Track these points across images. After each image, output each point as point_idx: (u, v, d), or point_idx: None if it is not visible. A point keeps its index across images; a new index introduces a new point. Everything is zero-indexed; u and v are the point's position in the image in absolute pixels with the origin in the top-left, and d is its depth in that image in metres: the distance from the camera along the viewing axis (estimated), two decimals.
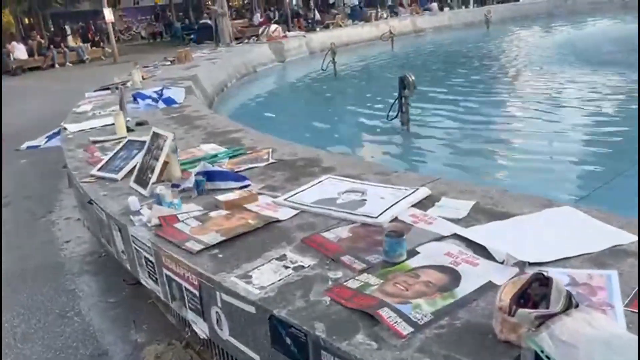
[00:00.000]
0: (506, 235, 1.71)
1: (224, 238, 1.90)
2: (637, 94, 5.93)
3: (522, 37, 13.40)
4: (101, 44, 23.61)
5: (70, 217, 4.23)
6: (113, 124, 4.26)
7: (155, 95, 5.20)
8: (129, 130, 3.90)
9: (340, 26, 14.66)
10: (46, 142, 5.54)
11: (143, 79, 6.76)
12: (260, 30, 13.16)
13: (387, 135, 5.27)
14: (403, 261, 1.60)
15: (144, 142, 2.99)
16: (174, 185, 2.48)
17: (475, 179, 3.79)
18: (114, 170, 2.86)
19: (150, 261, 2.04)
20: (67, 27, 24.60)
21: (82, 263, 3.41)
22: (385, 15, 16.98)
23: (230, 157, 2.98)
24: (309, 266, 1.66)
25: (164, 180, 2.57)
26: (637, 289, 1.34)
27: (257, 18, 28.40)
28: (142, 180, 2.58)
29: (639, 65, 6.82)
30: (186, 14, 34.12)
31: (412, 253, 1.65)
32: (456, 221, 1.88)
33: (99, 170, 2.95)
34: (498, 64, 9.59)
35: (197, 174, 2.44)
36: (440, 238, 1.76)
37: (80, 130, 4.21)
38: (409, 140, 5.13)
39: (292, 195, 2.25)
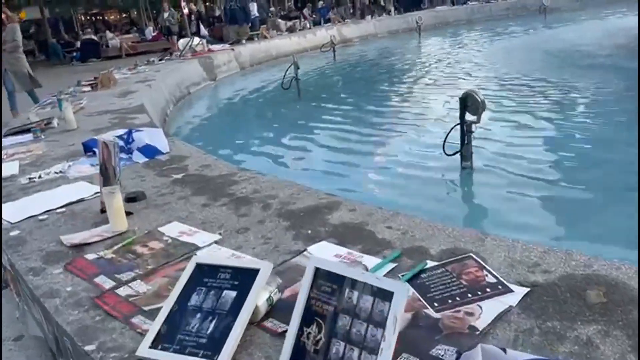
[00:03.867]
0: None
1: None
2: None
3: (457, 48, 12.77)
4: None
5: None
6: (80, 200, 2.63)
7: (120, 142, 3.51)
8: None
9: (266, 38, 13.24)
10: None
11: None
12: (180, 43, 11.35)
13: (444, 176, 4.00)
14: None
15: (239, 270, 1.48)
16: None
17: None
18: (201, 348, 1.31)
19: None
20: None
21: None
22: (309, 25, 15.85)
23: (411, 279, 1.55)
24: None
25: None
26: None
27: (150, 32, 26.07)
28: None
29: (638, 66, 6.29)
30: (56, 30, 30.50)
31: None
32: None
33: (153, 344, 1.37)
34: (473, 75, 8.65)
35: None
36: None
37: (28, 218, 2.48)
38: (476, 182, 3.90)
39: None
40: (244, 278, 1.44)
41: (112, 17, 39.71)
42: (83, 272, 1.89)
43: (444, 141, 3.99)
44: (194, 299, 1.45)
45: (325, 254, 1.79)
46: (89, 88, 6.99)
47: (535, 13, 16.69)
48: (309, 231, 1.99)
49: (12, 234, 2.33)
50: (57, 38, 27.03)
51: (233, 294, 1.42)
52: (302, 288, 1.21)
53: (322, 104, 7.41)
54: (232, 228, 2.12)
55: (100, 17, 38.73)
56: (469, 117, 3.86)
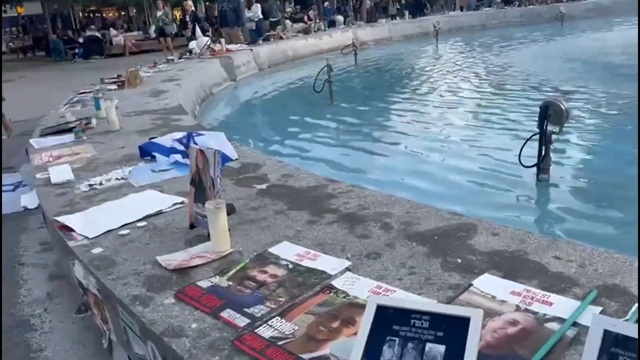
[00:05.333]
0: None
1: None
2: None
3: (480, 54, 12.38)
4: None
5: None
6: (159, 212, 2.35)
7: (180, 147, 3.23)
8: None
9: (282, 38, 12.96)
10: None
11: None
12: (196, 43, 11.04)
13: (518, 190, 3.74)
14: None
15: (441, 317, 1.21)
16: None
17: None
18: None
19: None
20: None
21: None
22: (323, 27, 15.59)
23: None
24: None
25: None
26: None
27: (153, 31, 25.73)
28: None
29: (639, 67, 6.11)
30: (53, 26, 30.13)
31: None
32: None
33: None
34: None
35: None
36: None
37: (106, 232, 2.19)
38: (556, 197, 3.64)
39: None
40: (449, 327, 1.17)
41: (110, 14, 39.31)
42: (202, 304, 1.61)
43: (520, 152, 3.74)
44: (388, 353, 1.18)
45: (498, 290, 1.52)
46: (114, 86, 6.68)
47: (549, 20, 16.56)
48: (459, 259, 1.72)
49: (95, 251, 2.04)
50: (59, 34, 26.60)
51: (441, 348, 1.15)
52: (587, 357, 0.94)
53: (358, 108, 7.12)
54: (358, 252, 1.85)
55: (98, 14, 38.32)
56: (551, 127, 3.60)
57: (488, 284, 1.56)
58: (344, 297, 1.58)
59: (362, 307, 1.51)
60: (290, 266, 1.80)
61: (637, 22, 13.06)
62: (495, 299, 1.49)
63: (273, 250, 1.93)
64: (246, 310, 1.56)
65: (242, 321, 1.51)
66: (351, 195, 2.39)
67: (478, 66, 10.26)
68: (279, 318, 1.50)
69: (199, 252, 1.95)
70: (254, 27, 13.29)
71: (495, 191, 3.82)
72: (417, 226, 2.01)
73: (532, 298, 1.47)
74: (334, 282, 1.67)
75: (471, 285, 1.56)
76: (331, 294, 1.60)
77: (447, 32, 15.95)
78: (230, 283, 1.72)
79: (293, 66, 11.93)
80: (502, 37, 14.54)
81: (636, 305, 1.38)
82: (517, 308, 1.43)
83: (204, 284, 1.73)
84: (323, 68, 7.12)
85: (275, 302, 1.59)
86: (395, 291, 1.58)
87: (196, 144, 3.21)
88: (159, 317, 1.57)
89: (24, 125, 7.40)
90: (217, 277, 1.77)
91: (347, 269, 1.75)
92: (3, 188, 4.87)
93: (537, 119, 3.66)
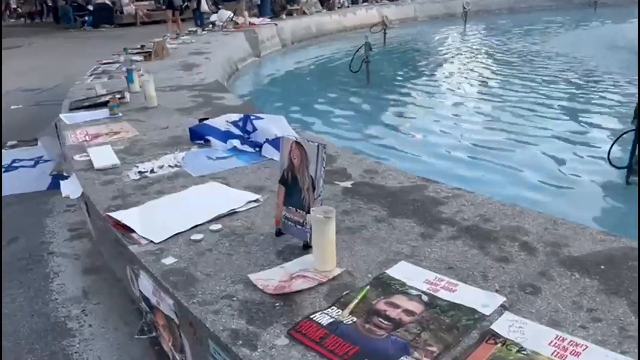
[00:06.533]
0: None
1: None
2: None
3: (513, 39, 11.75)
4: None
5: None
6: (232, 212, 1.97)
7: (236, 131, 2.83)
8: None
9: (305, 13, 12.42)
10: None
11: None
12: (218, 16, 10.53)
13: (604, 193, 3.34)
14: None
15: None
16: None
17: None
18: None
19: None
20: None
21: None
22: (347, 4, 15.01)
23: None
24: None
25: None
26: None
27: (162, 2, 24.94)
28: None
29: (638, 66, 5.71)
30: None
31: None
32: None
33: None
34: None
35: None
36: None
37: (174, 236, 1.81)
38: None
39: None
40: None
41: None
42: (328, 350, 1.23)
43: (609, 151, 3.33)
44: None
45: None
46: (139, 57, 6.24)
47: (580, 6, 15.95)
48: None
49: (167, 262, 1.66)
50: (68, 0, 25.87)
51: None
52: None
53: (397, 91, 6.67)
54: (506, 282, 1.47)
55: None
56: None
57: None
58: (518, 351, 1.20)
59: None
60: (426, 299, 1.42)
61: None
62: None
63: (393, 273, 1.55)
64: None
65: None
66: (462, 202, 2.00)
67: (524, 52, 9.71)
68: None
69: (298, 271, 1.57)
70: (259, 2, 12.52)
71: (575, 193, 3.43)
72: (568, 248, 1.63)
73: None
74: (495, 327, 1.29)
75: None
76: (498, 345, 1.23)
77: (474, 15, 15.34)
78: (355, 319, 1.34)
79: (317, 43, 11.45)
80: (535, 22, 13.95)
81: None
82: None
83: (323, 319, 1.35)
84: (360, 47, 6.65)
85: (426, 353, 1.21)
86: (586, 347, 1.20)
87: (255, 128, 2.83)
88: None
89: (37, 95, 7.00)
90: (336, 308, 1.39)
91: (503, 306, 1.37)
92: (22, 163, 4.53)
93: (615, 112, 3.27)
